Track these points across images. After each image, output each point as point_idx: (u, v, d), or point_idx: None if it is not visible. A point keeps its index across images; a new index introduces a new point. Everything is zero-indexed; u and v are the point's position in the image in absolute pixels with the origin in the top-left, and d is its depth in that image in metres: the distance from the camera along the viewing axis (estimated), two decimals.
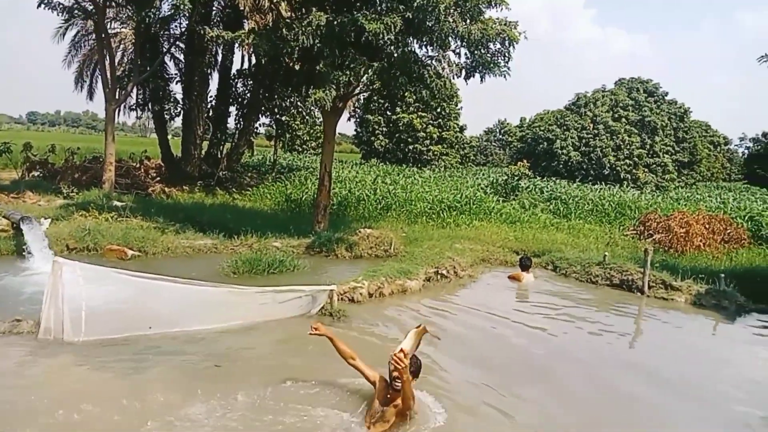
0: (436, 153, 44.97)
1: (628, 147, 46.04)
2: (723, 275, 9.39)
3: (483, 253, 11.65)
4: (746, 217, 17.67)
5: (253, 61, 22.19)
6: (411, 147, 44.55)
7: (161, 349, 5.75)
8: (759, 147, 51.86)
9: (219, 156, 23.13)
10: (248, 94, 22.73)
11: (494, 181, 24.91)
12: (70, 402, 4.47)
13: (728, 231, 15.74)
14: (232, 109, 23.26)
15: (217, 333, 6.28)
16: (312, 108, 23.43)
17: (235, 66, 23.35)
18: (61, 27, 23.07)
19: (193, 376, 5.18)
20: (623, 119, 47.07)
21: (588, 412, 5.19)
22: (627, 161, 45.84)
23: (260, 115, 24.20)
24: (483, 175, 32.51)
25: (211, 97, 22.50)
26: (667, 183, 44.17)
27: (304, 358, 5.76)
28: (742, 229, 16.02)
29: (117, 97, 18.92)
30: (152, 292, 6.15)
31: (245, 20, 21.21)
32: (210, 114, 22.48)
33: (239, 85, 23.02)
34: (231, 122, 23.74)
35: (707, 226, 15.66)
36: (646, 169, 45.63)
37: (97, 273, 6.08)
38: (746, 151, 56.66)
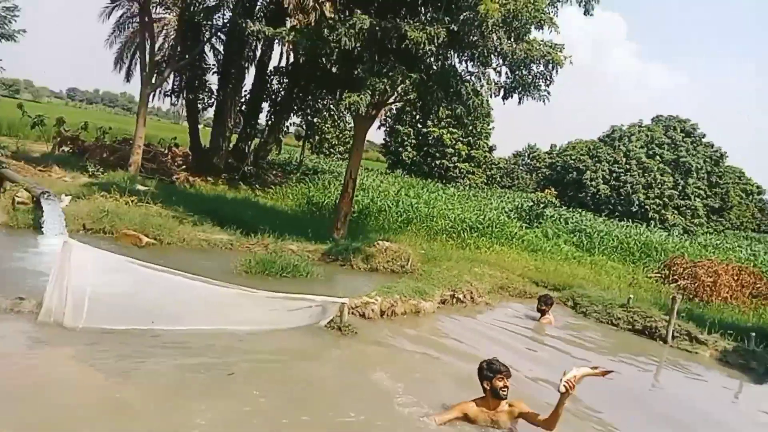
0: (462, 171, 44.50)
1: (660, 186, 45.07)
2: (753, 334, 8.89)
3: (502, 280, 11.26)
4: None
5: (291, 59, 22.19)
6: (438, 162, 44.12)
7: (166, 347, 5.52)
8: None
9: (246, 151, 23.08)
10: (282, 92, 22.68)
11: (519, 206, 24.44)
12: (60, 393, 4.27)
13: (757, 285, 15.11)
14: (265, 105, 23.26)
15: (224, 336, 6.00)
16: (344, 112, 23.39)
17: (273, 63, 23.39)
18: (107, 7, 23.52)
19: (201, 381, 4.93)
20: (657, 157, 46.15)
21: None
22: (657, 200, 44.84)
23: (291, 114, 24.16)
24: (508, 198, 31.99)
25: (245, 91, 22.56)
26: (695, 227, 43.00)
27: (323, 369, 5.72)
28: None
29: (153, 81, 19.09)
30: (160, 285, 5.91)
31: (288, 18, 21.26)
32: (243, 108, 22.49)
33: (274, 81, 22.97)
34: (262, 118, 23.78)
35: (736, 278, 15.07)
36: (675, 211, 44.59)
37: (106, 259, 5.89)
38: None
